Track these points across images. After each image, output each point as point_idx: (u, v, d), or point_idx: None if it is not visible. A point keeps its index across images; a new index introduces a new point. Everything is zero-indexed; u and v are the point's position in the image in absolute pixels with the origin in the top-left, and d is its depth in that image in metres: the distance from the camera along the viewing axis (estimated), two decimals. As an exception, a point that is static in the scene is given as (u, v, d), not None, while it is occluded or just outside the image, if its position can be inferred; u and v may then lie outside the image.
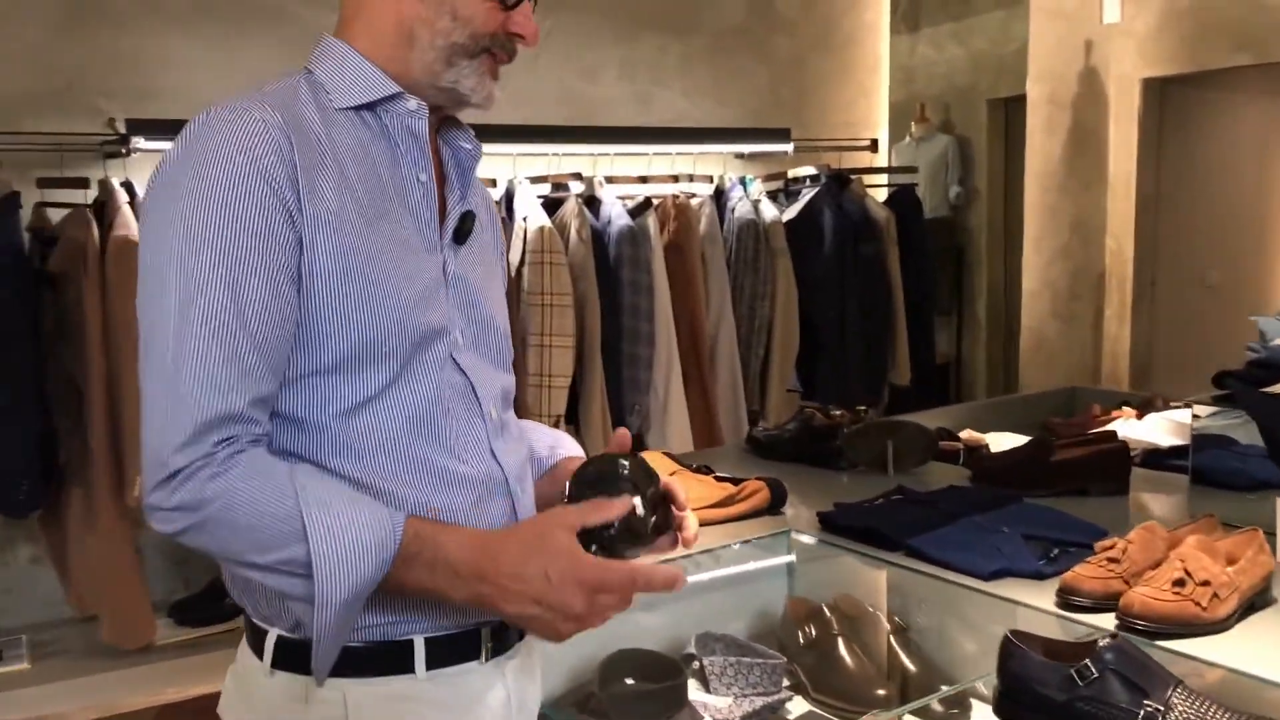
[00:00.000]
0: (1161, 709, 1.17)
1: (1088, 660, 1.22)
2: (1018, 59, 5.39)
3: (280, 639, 1.11)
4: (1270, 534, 1.77)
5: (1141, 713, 1.17)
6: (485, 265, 1.26)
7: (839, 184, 4.05)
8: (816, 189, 4.01)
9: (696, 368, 3.69)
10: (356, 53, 1.13)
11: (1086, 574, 1.63)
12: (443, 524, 1.06)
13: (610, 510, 1.05)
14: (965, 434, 2.62)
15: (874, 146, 4.36)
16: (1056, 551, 1.82)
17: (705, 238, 3.73)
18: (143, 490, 1.01)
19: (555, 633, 1.04)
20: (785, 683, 1.72)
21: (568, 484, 1.12)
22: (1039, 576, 1.75)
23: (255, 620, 1.13)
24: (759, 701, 1.65)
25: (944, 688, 1.66)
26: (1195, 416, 2.11)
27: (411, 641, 1.11)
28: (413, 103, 1.14)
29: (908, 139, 5.81)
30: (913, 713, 1.59)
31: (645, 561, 1.08)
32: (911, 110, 5.82)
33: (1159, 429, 2.43)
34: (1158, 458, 2.39)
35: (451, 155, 1.21)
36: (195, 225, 1.00)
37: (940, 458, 2.48)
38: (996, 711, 1.32)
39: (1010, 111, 5.72)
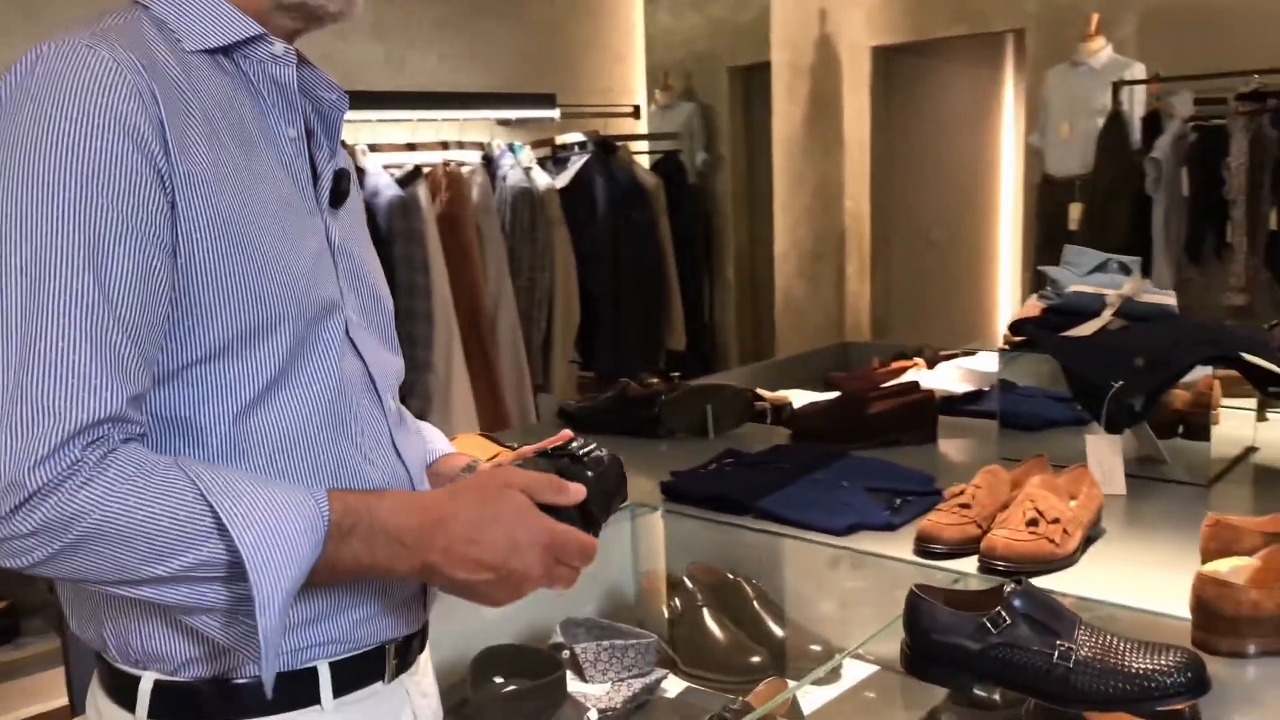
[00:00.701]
0: (1074, 647, 1.20)
1: (1000, 608, 1.23)
2: (756, 26, 5.53)
3: (159, 684, 0.94)
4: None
5: (1056, 653, 1.20)
6: (362, 233, 1.12)
7: (606, 151, 4.01)
8: (585, 156, 3.95)
9: (478, 344, 3.56)
10: None
11: (943, 521, 1.67)
12: (368, 491, 0.93)
13: (565, 495, 0.95)
14: (767, 393, 2.65)
15: (636, 113, 4.36)
16: (899, 501, 1.86)
17: (479, 208, 3.59)
18: None
19: (500, 599, 0.94)
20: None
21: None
22: (889, 528, 1.78)
23: (122, 665, 0.95)
24: (637, 684, 1.58)
25: (812, 646, 1.66)
26: (1001, 363, 2.22)
27: (315, 669, 0.96)
28: (278, 46, 0.97)
29: (653, 106, 5.86)
30: (793, 678, 1.57)
31: None
32: (655, 78, 5.87)
33: (952, 377, 2.55)
34: (953, 404, 2.52)
35: (313, 108, 1.05)
36: (42, 190, 0.81)
37: (752, 419, 2.49)
38: (907, 667, 1.31)
39: (750, 79, 5.86)
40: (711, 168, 6.08)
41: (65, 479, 0.79)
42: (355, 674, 0.99)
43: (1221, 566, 1.34)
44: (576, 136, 3.99)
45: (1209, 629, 1.31)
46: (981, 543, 1.61)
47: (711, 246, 6.03)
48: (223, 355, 0.90)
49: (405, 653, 1.05)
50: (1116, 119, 4.35)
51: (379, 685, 1.01)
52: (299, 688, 0.96)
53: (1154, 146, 4.19)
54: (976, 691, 1.48)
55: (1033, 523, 1.60)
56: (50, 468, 0.78)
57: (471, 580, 0.91)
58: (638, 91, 4.58)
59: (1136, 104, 4.39)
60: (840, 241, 5.60)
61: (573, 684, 1.56)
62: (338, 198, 1.04)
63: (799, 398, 2.77)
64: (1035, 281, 4.83)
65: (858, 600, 1.77)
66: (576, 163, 3.97)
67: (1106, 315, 2.08)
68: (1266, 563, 1.33)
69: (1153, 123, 4.29)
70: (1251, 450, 2.13)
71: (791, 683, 1.51)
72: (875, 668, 1.68)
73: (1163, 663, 1.19)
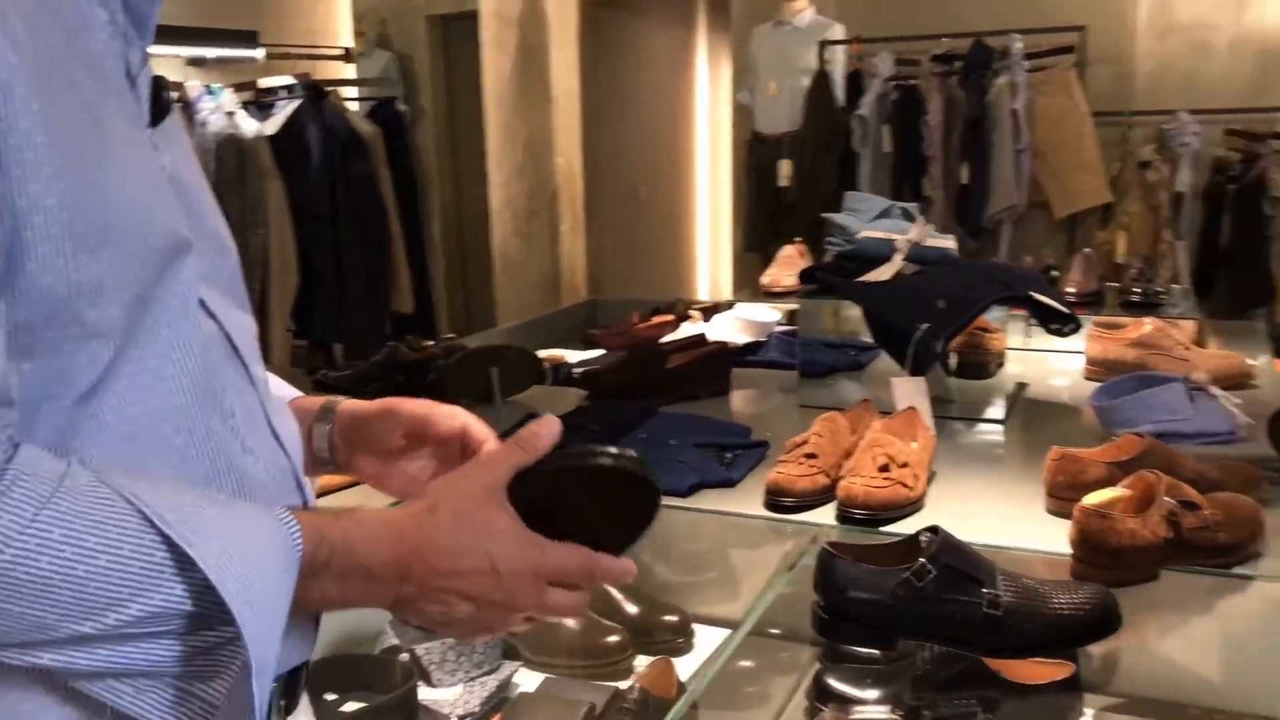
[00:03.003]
0: (1000, 594, 1.16)
1: (923, 560, 1.16)
2: (454, -27, 5.28)
3: None
4: (886, 412, 1.89)
5: (985, 602, 1.15)
6: (191, 159, 0.85)
7: (318, 96, 3.65)
8: (295, 102, 3.57)
9: (186, 311, 3.13)
10: None
11: (793, 473, 1.61)
12: (338, 515, 0.73)
13: (533, 444, 0.77)
14: (545, 353, 2.50)
15: (347, 56, 4.01)
16: (730, 456, 1.79)
17: (179, 157, 3.14)
18: None
19: (480, 634, 0.80)
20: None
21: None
22: (730, 483, 1.70)
23: None
24: (491, 682, 1.40)
25: (667, 618, 1.54)
26: (801, 313, 2.19)
27: None
28: None
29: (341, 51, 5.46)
30: (657, 653, 1.45)
31: None
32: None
33: (731, 327, 2.51)
34: (735, 355, 2.48)
35: None
36: None
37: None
38: (820, 629, 1.23)
39: (450, 28, 5.60)
40: (411, 120, 5.76)
41: None
42: None
43: (1095, 499, 1.35)
44: (284, 80, 3.60)
45: (1091, 561, 1.32)
46: (838, 491, 1.56)
47: (416, 203, 5.73)
48: (52, 319, 0.63)
49: (291, 693, 0.82)
50: (822, 78, 4.52)
51: None
52: None
53: (859, 105, 4.39)
54: (854, 648, 1.43)
55: (884, 468, 1.57)
56: None
57: (448, 613, 0.75)
58: (344, 33, 4.21)
59: (839, 64, 4.58)
60: (553, 199, 5.49)
61: (422, 692, 1.35)
62: (159, 111, 0.78)
63: (574, 358, 2.65)
64: (748, 236, 4.97)
65: (710, 562, 1.68)
66: (285, 108, 3.57)
67: (898, 260, 2.10)
68: (1135, 491, 1.36)
69: (856, 82, 4.49)
70: (1023, 386, 2.24)
71: (676, 660, 1.39)
72: (726, 630, 1.59)
73: (1079, 601, 1.18)
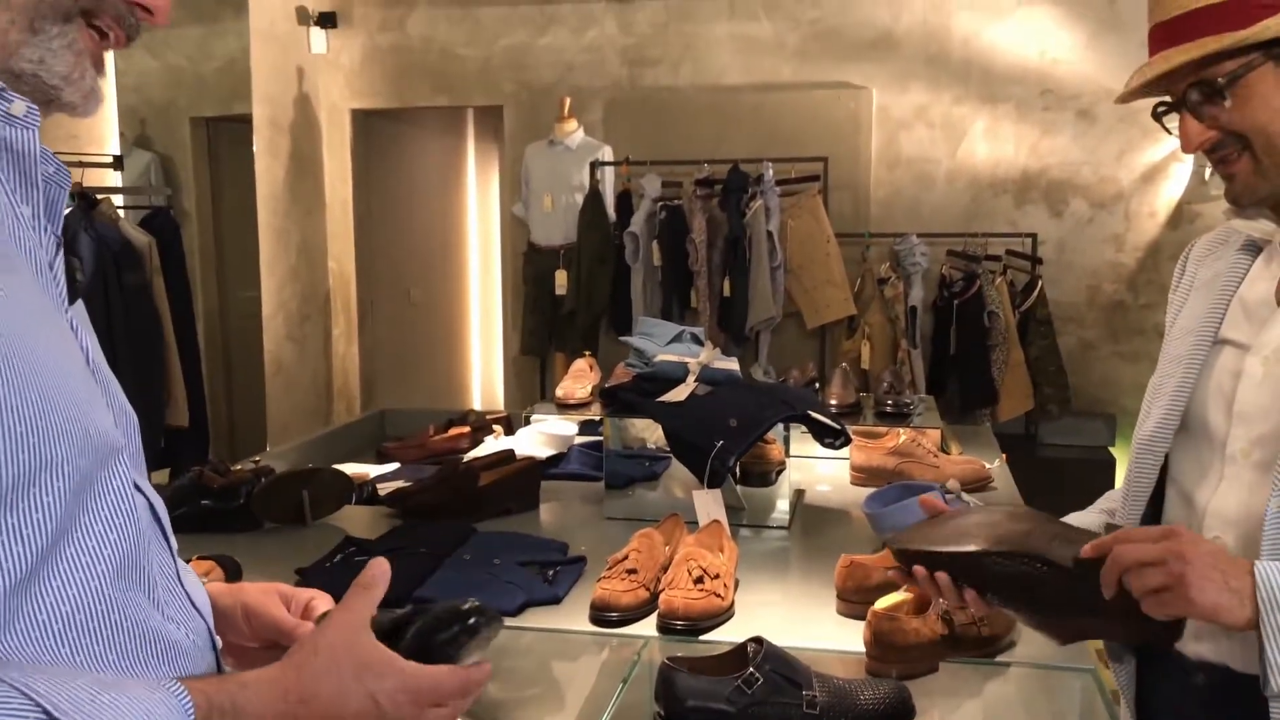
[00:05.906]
0: (817, 695, 1.33)
1: (751, 669, 1.32)
2: (221, 78, 5.26)
3: None
4: (690, 521, 2.07)
5: (805, 703, 1.32)
6: (92, 330, 0.92)
7: (89, 205, 3.55)
8: (65, 211, 3.46)
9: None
10: None
11: (617, 589, 1.74)
12: (224, 679, 0.79)
13: (373, 586, 0.88)
14: (348, 470, 2.54)
15: (118, 163, 3.91)
16: (552, 573, 1.90)
17: (-63, 269, 2.98)
18: None
19: None
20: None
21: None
22: (555, 601, 1.81)
23: None
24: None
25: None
26: (608, 428, 2.34)
27: None
28: (18, 105, 0.77)
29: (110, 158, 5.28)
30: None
31: None
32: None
33: (535, 441, 2.63)
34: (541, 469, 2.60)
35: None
36: None
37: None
38: (663, 741, 1.35)
39: (214, 131, 5.53)
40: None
41: None
42: None
43: (883, 603, 1.56)
44: (51, 188, 3.48)
45: (883, 658, 1.52)
46: (660, 604, 1.71)
47: (190, 314, 5.54)
48: None
49: None
50: (595, 196, 4.79)
51: None
52: None
53: (630, 222, 4.67)
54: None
55: (699, 580, 1.73)
56: None
57: None
58: (110, 139, 4.11)
59: (610, 183, 4.87)
60: (326, 303, 5.46)
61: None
62: (73, 293, 0.86)
63: (372, 472, 2.69)
64: (526, 341, 5.13)
65: (538, 678, 1.77)
66: (52, 218, 3.45)
67: (691, 381, 2.31)
68: (914, 594, 1.58)
69: (626, 200, 4.78)
70: (801, 492, 2.48)
71: (525, 776, 1.47)
72: (560, 745, 1.69)
73: (880, 697, 1.37)
